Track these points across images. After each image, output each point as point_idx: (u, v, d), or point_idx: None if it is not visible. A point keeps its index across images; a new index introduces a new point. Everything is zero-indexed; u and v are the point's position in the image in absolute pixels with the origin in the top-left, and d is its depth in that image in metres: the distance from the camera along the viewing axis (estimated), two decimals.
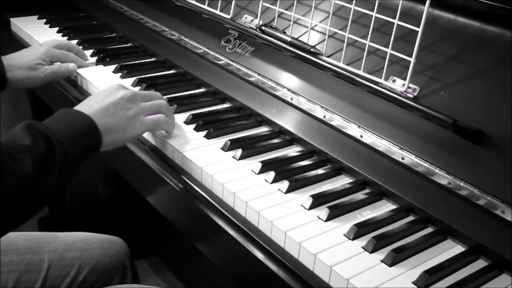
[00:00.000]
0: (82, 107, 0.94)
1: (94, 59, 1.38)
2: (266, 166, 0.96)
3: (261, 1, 1.20)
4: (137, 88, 1.24)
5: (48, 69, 1.26)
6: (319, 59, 1.08)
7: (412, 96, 0.95)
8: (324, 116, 1.04)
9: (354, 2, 1.03)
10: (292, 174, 0.95)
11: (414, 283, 0.75)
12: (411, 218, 0.88)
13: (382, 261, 0.79)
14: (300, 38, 1.14)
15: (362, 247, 0.81)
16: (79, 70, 1.31)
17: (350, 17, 1.03)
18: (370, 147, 0.97)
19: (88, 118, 0.90)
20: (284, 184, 0.92)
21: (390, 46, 0.97)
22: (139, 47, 1.48)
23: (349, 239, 0.82)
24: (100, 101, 0.95)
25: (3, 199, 0.76)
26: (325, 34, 1.10)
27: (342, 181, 0.96)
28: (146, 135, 1.08)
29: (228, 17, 1.27)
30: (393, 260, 0.78)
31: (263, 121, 1.13)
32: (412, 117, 0.94)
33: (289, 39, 1.13)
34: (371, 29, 0.99)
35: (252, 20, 1.24)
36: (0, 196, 0.75)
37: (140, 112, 0.98)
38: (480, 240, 0.81)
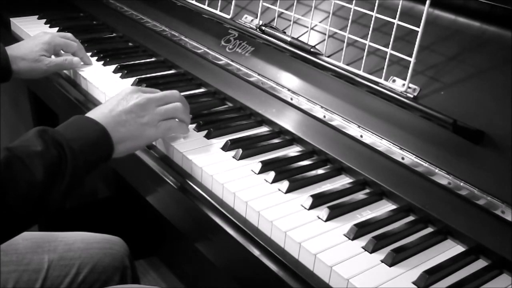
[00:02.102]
0: (96, 114, 0.91)
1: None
2: (266, 166, 0.96)
3: (261, 1, 1.20)
4: None
5: (52, 61, 1.25)
6: (319, 59, 1.08)
7: (412, 96, 0.95)
8: (324, 116, 1.04)
9: (354, 2, 1.03)
10: (292, 174, 0.95)
11: (414, 283, 0.75)
12: (411, 218, 0.88)
13: (382, 261, 0.79)
14: (300, 38, 1.14)
15: (362, 247, 0.81)
16: (79, 71, 1.31)
17: (350, 17, 1.03)
18: (370, 147, 0.97)
19: (101, 128, 0.88)
20: (284, 184, 0.92)
21: (390, 46, 0.97)
22: (139, 47, 1.48)
23: (349, 239, 0.82)
24: (114, 107, 0.92)
25: (12, 205, 0.75)
26: (325, 34, 1.10)
27: (342, 181, 0.96)
28: None
29: (228, 17, 1.27)
30: (393, 260, 0.78)
31: (263, 121, 1.13)
32: (412, 117, 0.94)
33: (289, 39, 1.13)
34: (371, 29, 0.99)
35: (252, 20, 1.24)
36: (10, 201, 0.75)
37: (154, 118, 0.95)
38: (480, 240, 0.81)
